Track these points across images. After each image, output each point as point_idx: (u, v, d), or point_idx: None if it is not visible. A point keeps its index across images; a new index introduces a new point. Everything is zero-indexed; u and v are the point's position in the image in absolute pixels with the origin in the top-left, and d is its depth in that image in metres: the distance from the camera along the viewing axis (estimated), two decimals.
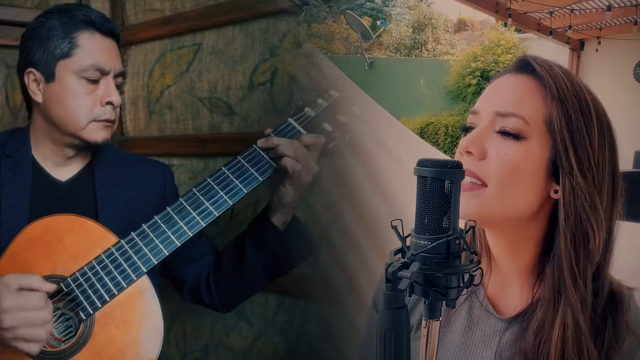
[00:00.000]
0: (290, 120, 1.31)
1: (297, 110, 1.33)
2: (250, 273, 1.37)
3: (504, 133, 0.84)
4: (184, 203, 1.26)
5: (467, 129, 0.89)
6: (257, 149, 1.28)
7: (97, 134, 1.32)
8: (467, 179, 0.82)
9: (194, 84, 1.74)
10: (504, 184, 0.82)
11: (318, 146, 1.28)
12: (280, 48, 1.56)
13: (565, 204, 0.82)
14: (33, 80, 1.30)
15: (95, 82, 1.30)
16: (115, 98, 1.31)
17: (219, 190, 1.26)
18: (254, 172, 1.26)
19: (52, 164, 1.35)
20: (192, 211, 1.25)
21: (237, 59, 1.65)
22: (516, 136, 0.83)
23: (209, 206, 1.25)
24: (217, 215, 1.25)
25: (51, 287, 1.14)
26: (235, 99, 1.66)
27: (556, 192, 0.84)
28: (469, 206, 0.82)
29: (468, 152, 0.84)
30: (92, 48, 1.30)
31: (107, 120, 1.32)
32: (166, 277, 1.45)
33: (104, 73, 1.30)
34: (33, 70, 1.30)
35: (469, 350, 0.90)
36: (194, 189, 1.27)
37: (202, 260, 1.43)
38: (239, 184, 1.25)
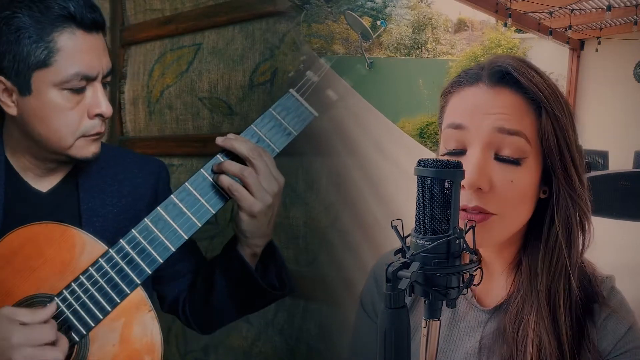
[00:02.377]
0: (292, 91, 1.12)
1: (297, 77, 1.15)
2: (219, 302, 1.21)
3: (504, 160, 0.81)
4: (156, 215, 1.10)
5: (453, 154, 0.83)
6: (204, 174, 1.09)
7: (86, 150, 1.13)
8: (475, 214, 0.81)
9: (194, 84, 1.74)
10: (512, 209, 0.83)
11: (260, 161, 1.07)
12: (280, 48, 1.56)
13: (559, 208, 0.83)
14: (3, 90, 1.09)
15: (81, 90, 1.09)
16: (105, 108, 1.11)
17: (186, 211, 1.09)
18: (205, 204, 1.09)
19: (33, 175, 1.18)
20: (186, 211, 1.09)
21: (237, 59, 1.65)
22: (516, 162, 0.81)
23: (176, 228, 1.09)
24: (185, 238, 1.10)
25: (51, 309, 1.04)
26: (235, 99, 1.66)
27: (544, 192, 0.85)
28: (483, 239, 0.81)
29: (478, 188, 0.80)
30: (75, 51, 1.07)
31: (97, 134, 1.13)
32: None
33: (90, 79, 1.09)
34: (2, 79, 1.08)
35: (453, 341, 0.91)
36: (172, 196, 1.10)
37: (185, 278, 1.29)
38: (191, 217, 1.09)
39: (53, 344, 1.02)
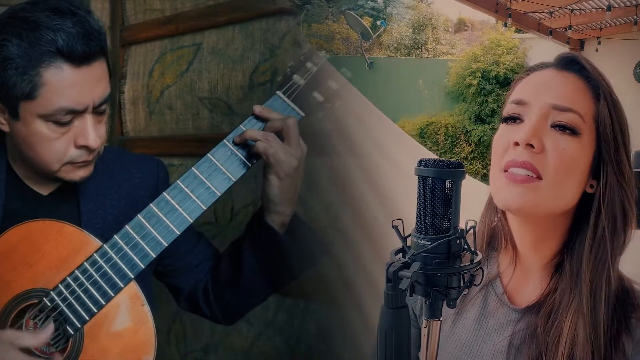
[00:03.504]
0: (279, 93, 1.19)
1: (284, 80, 1.21)
2: (249, 281, 1.24)
3: (560, 127, 0.84)
4: (164, 201, 1.15)
5: (509, 119, 0.88)
6: (227, 144, 1.17)
7: (74, 174, 1.14)
8: (522, 172, 0.83)
9: (194, 84, 1.74)
10: (560, 179, 0.83)
11: (290, 124, 1.14)
12: (280, 48, 1.56)
13: (606, 198, 0.85)
14: None
15: (67, 123, 1.08)
16: (92, 141, 1.10)
17: (190, 194, 1.15)
18: (226, 172, 1.15)
19: (33, 182, 1.19)
20: (178, 207, 1.14)
21: (237, 59, 1.65)
22: (573, 131, 0.84)
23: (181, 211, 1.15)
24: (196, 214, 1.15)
25: (50, 331, 1.07)
26: (235, 99, 1.66)
27: (592, 187, 0.86)
28: (526, 200, 0.82)
29: (529, 144, 0.83)
30: (61, 86, 1.05)
31: (84, 162, 1.13)
32: (163, 283, 1.37)
33: (77, 113, 1.08)
34: None
35: (481, 336, 0.91)
36: (164, 193, 1.16)
37: (199, 268, 1.31)
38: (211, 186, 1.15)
39: (55, 343, 1.05)
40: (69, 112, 1.07)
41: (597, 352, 0.81)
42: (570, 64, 0.89)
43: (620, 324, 0.84)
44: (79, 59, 1.05)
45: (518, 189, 0.82)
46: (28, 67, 1.04)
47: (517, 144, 0.83)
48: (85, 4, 1.17)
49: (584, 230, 0.86)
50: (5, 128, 1.12)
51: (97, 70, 1.09)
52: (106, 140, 1.20)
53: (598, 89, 0.87)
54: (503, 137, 0.87)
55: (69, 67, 1.05)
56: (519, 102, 0.88)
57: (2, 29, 1.05)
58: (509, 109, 0.89)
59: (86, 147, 1.10)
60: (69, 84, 1.06)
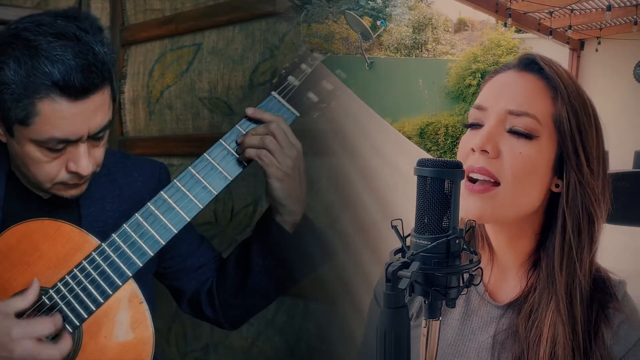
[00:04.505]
0: (274, 93, 1.22)
1: (280, 81, 1.23)
2: (257, 283, 1.24)
3: (516, 132, 0.85)
4: (164, 198, 1.17)
5: (471, 126, 0.89)
6: (224, 144, 1.19)
7: (65, 192, 1.14)
8: (479, 177, 0.84)
9: (194, 84, 1.74)
10: (517, 183, 0.84)
11: (275, 129, 1.16)
12: (280, 48, 1.56)
13: (569, 198, 0.85)
14: None
15: (60, 150, 1.08)
16: (83, 168, 1.09)
17: (187, 193, 1.17)
18: (222, 171, 1.18)
19: (33, 185, 1.18)
20: (176, 206, 1.16)
21: (237, 59, 1.65)
22: (528, 135, 0.84)
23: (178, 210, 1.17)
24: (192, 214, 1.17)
25: (35, 289, 1.08)
26: (235, 99, 1.66)
27: (557, 186, 0.86)
28: (483, 209, 0.84)
29: (483, 150, 0.84)
30: (55, 118, 1.03)
31: (75, 184, 1.13)
32: (165, 286, 1.37)
33: (70, 142, 1.07)
34: None
35: (466, 336, 0.92)
36: (162, 192, 1.18)
37: (202, 270, 1.31)
38: (207, 185, 1.17)
39: (54, 338, 1.05)
40: (62, 142, 1.06)
41: (577, 349, 0.82)
42: (530, 65, 0.89)
43: (598, 315, 0.85)
44: (75, 93, 1.03)
45: (475, 199, 0.83)
46: (23, 96, 1.02)
47: (473, 150, 0.85)
48: (92, 18, 1.13)
49: (554, 229, 0.86)
50: (3, 139, 1.12)
51: (97, 101, 1.07)
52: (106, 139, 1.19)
53: (557, 89, 0.87)
54: (465, 143, 0.88)
55: (65, 101, 1.03)
56: (479, 108, 0.89)
57: (2, 49, 1.04)
58: (470, 115, 0.90)
59: (77, 174, 1.10)
60: (63, 116, 1.04)
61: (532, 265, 0.90)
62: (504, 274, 0.93)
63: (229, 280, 1.27)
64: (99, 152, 1.14)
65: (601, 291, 0.87)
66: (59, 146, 1.06)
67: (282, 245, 1.21)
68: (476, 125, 0.88)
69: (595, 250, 0.87)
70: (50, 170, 1.09)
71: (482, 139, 0.85)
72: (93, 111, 1.07)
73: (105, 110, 1.10)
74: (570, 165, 0.85)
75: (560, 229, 0.85)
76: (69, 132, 1.05)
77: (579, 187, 0.85)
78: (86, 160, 1.09)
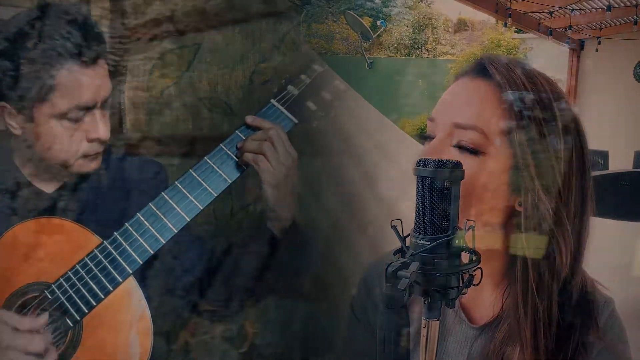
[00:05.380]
0: (273, 101, 1.27)
1: (279, 90, 1.28)
2: (243, 283, 1.31)
3: (461, 148, 0.80)
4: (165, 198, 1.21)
5: (426, 138, 0.85)
6: (224, 148, 1.24)
7: (87, 166, 1.22)
8: None
9: (194, 84, 1.74)
10: (465, 201, 0.75)
11: (273, 135, 1.21)
12: (280, 48, 1.56)
13: (526, 220, 0.78)
14: (8, 113, 1.17)
15: (78, 120, 1.17)
16: (103, 133, 1.19)
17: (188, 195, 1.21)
18: (222, 174, 1.22)
19: (37, 180, 1.24)
20: (176, 207, 1.20)
21: (237, 59, 1.65)
22: (474, 151, 0.79)
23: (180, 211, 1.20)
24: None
25: (44, 319, 1.11)
26: (235, 99, 1.66)
27: (520, 204, 0.80)
28: None
29: None
30: (72, 87, 1.14)
31: (95, 154, 1.22)
32: (159, 282, 1.36)
33: (88, 108, 1.17)
34: (6, 104, 1.16)
35: (440, 357, 0.88)
36: (163, 193, 1.22)
37: (194, 270, 1.35)
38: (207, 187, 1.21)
39: (42, 355, 1.08)
40: (82, 108, 1.15)
41: None
42: (483, 70, 0.83)
43: (577, 345, 0.79)
44: (87, 60, 1.14)
45: None
46: (41, 71, 1.12)
47: None
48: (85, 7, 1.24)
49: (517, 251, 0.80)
50: (17, 132, 1.18)
51: (101, 69, 1.19)
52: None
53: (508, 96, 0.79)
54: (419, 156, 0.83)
55: (79, 68, 1.14)
56: (431, 120, 0.85)
57: (16, 34, 1.13)
58: (427, 127, 0.86)
59: (98, 140, 1.19)
60: (79, 84, 1.14)
61: (508, 284, 0.85)
62: (480, 292, 0.88)
63: (220, 278, 1.33)
64: (108, 123, 1.23)
65: (582, 316, 0.80)
66: (79, 114, 1.15)
67: (270, 249, 1.26)
68: (429, 138, 0.84)
69: (569, 275, 0.80)
70: (72, 144, 1.18)
71: (424, 154, 0.80)
72: (102, 76, 1.19)
73: (108, 79, 1.22)
74: (524, 185, 0.78)
75: (522, 255, 0.79)
76: (87, 97, 1.16)
77: (534, 210, 0.77)
78: (104, 124, 1.20)
